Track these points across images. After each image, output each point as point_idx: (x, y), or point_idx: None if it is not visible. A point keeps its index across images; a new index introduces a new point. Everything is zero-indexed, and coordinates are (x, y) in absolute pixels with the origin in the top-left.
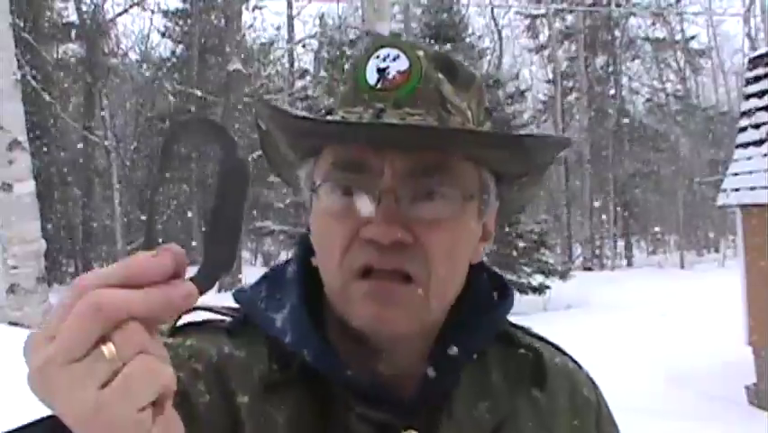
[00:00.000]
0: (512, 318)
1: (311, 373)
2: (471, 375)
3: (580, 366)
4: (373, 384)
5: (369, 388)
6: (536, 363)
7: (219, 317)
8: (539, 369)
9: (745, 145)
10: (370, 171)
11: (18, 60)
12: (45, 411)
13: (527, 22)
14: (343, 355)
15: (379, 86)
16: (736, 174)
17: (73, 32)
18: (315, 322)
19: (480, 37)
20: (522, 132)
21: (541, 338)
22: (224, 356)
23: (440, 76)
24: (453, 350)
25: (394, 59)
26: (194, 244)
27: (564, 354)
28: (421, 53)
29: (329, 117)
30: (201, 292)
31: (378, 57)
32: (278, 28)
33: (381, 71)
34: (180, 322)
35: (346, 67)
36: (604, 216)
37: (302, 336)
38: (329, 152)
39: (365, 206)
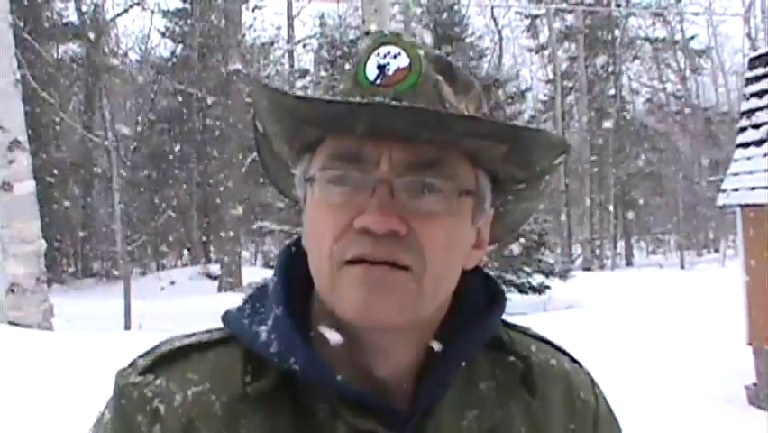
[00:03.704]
0: (512, 319)
1: (291, 384)
2: (460, 384)
3: (580, 365)
4: (363, 391)
5: (358, 395)
6: (525, 372)
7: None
8: (528, 378)
9: (745, 145)
10: (366, 162)
11: (18, 60)
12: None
13: (527, 22)
14: (332, 361)
15: (378, 81)
16: (736, 174)
17: (73, 32)
18: (302, 331)
19: (480, 37)
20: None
21: (539, 338)
22: (188, 399)
23: (439, 77)
24: (443, 357)
25: (395, 57)
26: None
27: (564, 353)
28: (422, 52)
29: (327, 97)
30: None
31: (378, 54)
32: (279, 28)
33: (381, 67)
34: (157, 356)
35: (347, 67)
36: (604, 216)
37: (288, 344)
38: (325, 145)
39: (360, 195)
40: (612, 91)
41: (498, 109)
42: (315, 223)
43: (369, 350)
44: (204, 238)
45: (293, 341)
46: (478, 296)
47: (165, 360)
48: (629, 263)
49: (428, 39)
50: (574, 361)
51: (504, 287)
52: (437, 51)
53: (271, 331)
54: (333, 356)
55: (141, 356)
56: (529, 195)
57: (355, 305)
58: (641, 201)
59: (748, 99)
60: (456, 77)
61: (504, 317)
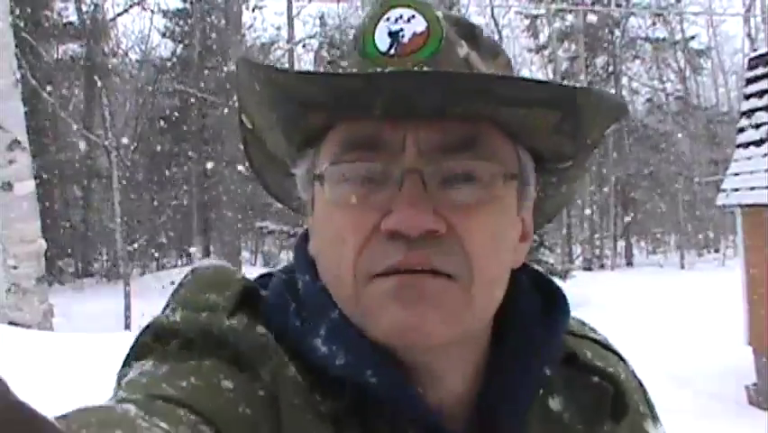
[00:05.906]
0: None
1: (358, 404)
2: (536, 413)
3: (625, 362)
4: (437, 416)
5: (433, 418)
6: (617, 396)
7: None
8: (620, 403)
9: (745, 145)
10: (388, 148)
11: (18, 60)
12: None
13: (527, 22)
14: None
15: (392, 51)
16: (736, 174)
17: (73, 32)
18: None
19: None
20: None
21: (589, 337)
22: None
23: (463, 42)
24: (510, 380)
25: (408, 20)
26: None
27: (612, 350)
28: (440, 14)
29: (339, 71)
30: None
31: (388, 19)
32: (279, 28)
33: (394, 35)
34: (239, 295)
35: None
36: (604, 216)
37: (359, 355)
38: (334, 134)
39: (385, 190)
40: (612, 91)
41: None
42: (330, 229)
43: (420, 373)
44: (204, 238)
45: (365, 351)
46: (530, 300)
47: (246, 301)
48: (629, 263)
49: None
50: (620, 358)
51: None
52: (456, 14)
53: (329, 341)
54: None
55: (215, 291)
56: (574, 174)
57: (394, 326)
58: (641, 201)
59: (748, 99)
60: (482, 41)
61: None
